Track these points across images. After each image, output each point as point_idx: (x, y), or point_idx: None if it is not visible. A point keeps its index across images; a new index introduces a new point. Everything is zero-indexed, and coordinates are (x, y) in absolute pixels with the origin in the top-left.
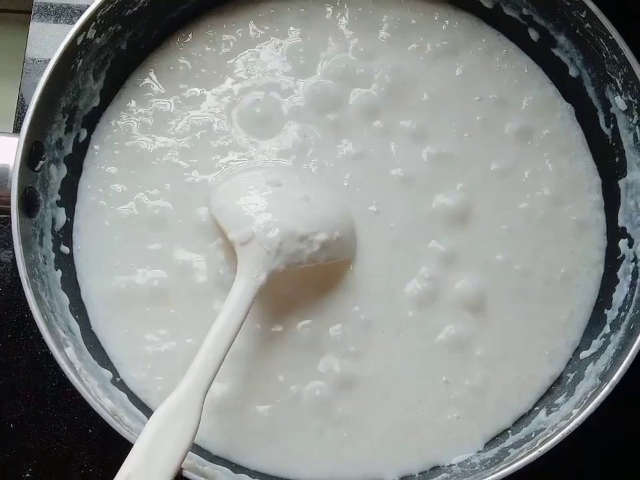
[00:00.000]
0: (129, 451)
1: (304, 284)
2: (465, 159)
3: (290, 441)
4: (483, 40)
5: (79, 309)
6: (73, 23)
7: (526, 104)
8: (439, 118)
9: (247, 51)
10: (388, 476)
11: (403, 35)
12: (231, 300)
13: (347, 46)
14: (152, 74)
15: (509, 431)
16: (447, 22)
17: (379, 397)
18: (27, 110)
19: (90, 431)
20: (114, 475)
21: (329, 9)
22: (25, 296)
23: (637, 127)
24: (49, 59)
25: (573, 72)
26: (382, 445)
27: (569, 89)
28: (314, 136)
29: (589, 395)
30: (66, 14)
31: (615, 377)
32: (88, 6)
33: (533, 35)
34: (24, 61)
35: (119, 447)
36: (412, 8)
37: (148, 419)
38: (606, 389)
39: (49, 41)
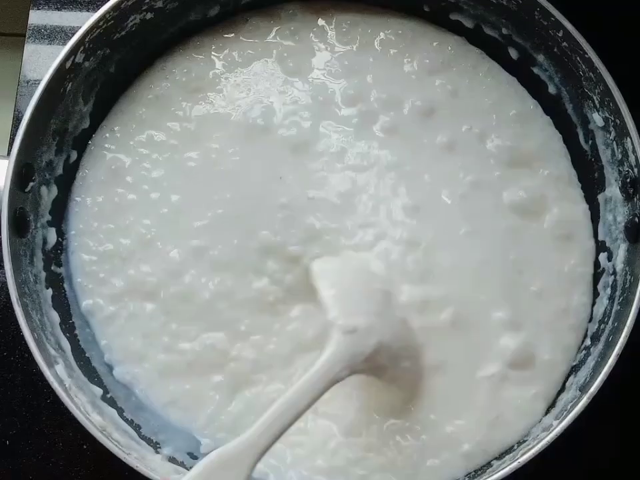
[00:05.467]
0: (122, 466)
1: None
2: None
3: None
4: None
5: (69, 326)
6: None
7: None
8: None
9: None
10: None
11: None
12: (314, 374)
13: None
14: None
15: None
16: (435, 42)
17: None
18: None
19: (84, 447)
20: None
21: None
22: None
23: (614, 143)
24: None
25: (552, 89)
26: None
27: (549, 106)
28: None
29: (568, 407)
30: (60, 37)
31: (593, 389)
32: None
33: (513, 53)
34: (18, 84)
35: (113, 463)
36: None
37: (138, 434)
38: (584, 401)
39: (44, 63)
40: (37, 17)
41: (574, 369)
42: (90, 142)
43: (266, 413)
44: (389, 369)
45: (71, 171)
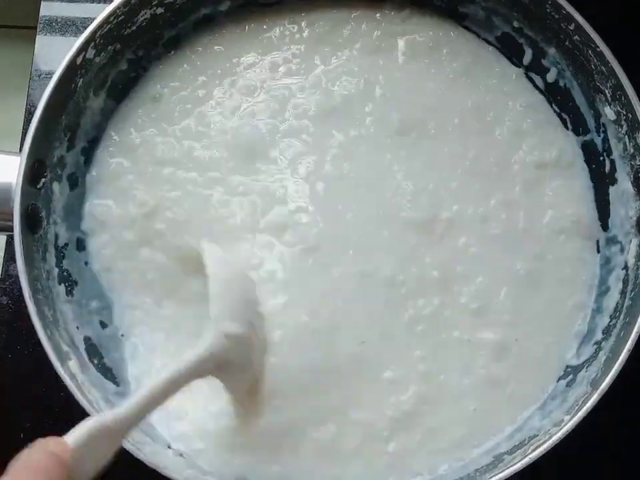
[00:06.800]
0: (135, 462)
1: None
2: None
3: None
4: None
5: (82, 322)
6: (79, 36)
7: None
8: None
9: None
10: None
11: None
12: (188, 363)
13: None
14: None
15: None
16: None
17: None
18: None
19: None
20: None
21: None
22: None
23: (626, 136)
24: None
25: (563, 83)
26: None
27: (561, 99)
28: None
29: (580, 402)
30: (71, 29)
31: (604, 385)
32: (94, 19)
33: (525, 47)
34: (30, 77)
35: (125, 458)
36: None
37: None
38: (595, 396)
39: (55, 55)
40: (48, 9)
41: (586, 363)
42: (101, 138)
43: (136, 395)
44: (236, 378)
45: (83, 166)
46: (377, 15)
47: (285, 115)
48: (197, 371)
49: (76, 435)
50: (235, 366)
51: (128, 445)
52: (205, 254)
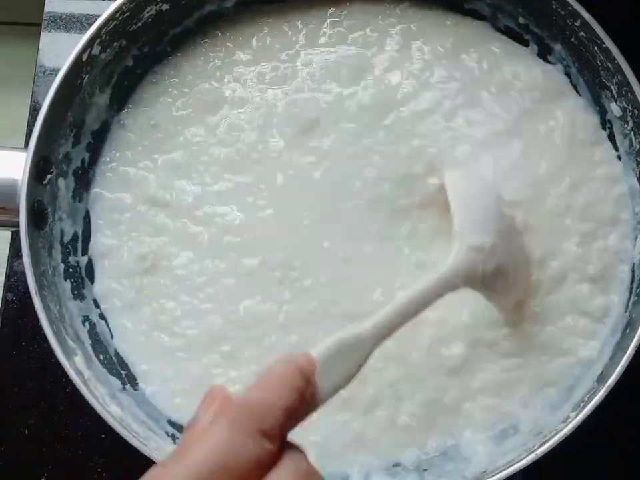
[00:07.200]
0: (140, 456)
1: None
2: None
3: None
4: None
5: (88, 319)
6: (84, 33)
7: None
8: None
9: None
10: None
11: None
12: (438, 279)
13: None
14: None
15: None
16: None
17: None
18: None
19: (102, 436)
20: None
21: None
22: None
23: (632, 133)
24: (61, 69)
25: (569, 79)
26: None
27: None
28: None
29: (586, 398)
30: (76, 25)
31: (610, 380)
32: (98, 16)
33: (530, 42)
34: (35, 73)
35: (130, 453)
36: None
37: (156, 426)
38: (602, 392)
39: (60, 52)
40: (53, 5)
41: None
42: (107, 134)
43: (387, 308)
44: (499, 288)
45: (89, 163)
46: None
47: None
48: (446, 286)
49: (324, 347)
50: (490, 277)
51: (134, 441)
52: (446, 182)
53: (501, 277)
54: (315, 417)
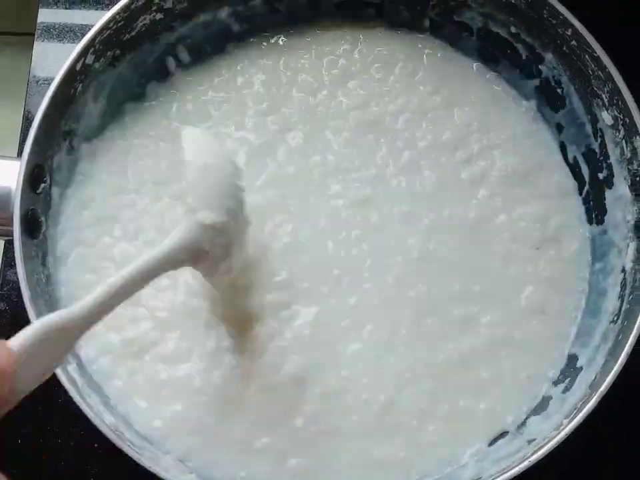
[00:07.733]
0: (134, 464)
1: None
2: None
3: None
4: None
5: None
6: (77, 43)
7: None
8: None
9: None
10: None
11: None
12: (160, 253)
13: None
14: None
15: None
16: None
17: None
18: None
19: (96, 445)
20: None
21: None
22: None
23: (623, 141)
24: (54, 79)
25: (560, 88)
26: None
27: (558, 104)
28: None
29: (578, 405)
30: (69, 35)
31: (603, 387)
32: (91, 26)
33: (522, 52)
34: (28, 83)
35: (124, 462)
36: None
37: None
38: (594, 399)
39: (53, 62)
40: (46, 16)
41: (584, 366)
42: (100, 143)
43: (98, 290)
44: (217, 267)
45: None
46: None
47: None
48: (169, 262)
49: (23, 337)
50: (212, 257)
51: (129, 450)
52: (183, 139)
53: (226, 257)
54: None
